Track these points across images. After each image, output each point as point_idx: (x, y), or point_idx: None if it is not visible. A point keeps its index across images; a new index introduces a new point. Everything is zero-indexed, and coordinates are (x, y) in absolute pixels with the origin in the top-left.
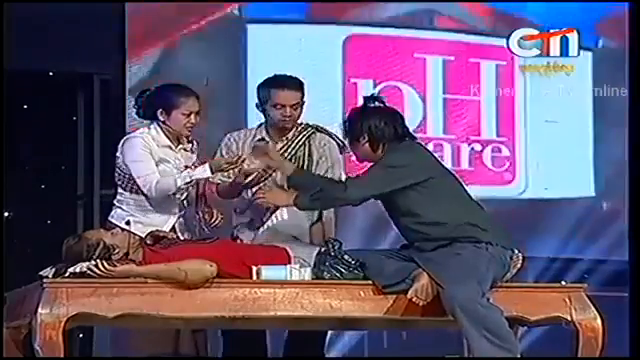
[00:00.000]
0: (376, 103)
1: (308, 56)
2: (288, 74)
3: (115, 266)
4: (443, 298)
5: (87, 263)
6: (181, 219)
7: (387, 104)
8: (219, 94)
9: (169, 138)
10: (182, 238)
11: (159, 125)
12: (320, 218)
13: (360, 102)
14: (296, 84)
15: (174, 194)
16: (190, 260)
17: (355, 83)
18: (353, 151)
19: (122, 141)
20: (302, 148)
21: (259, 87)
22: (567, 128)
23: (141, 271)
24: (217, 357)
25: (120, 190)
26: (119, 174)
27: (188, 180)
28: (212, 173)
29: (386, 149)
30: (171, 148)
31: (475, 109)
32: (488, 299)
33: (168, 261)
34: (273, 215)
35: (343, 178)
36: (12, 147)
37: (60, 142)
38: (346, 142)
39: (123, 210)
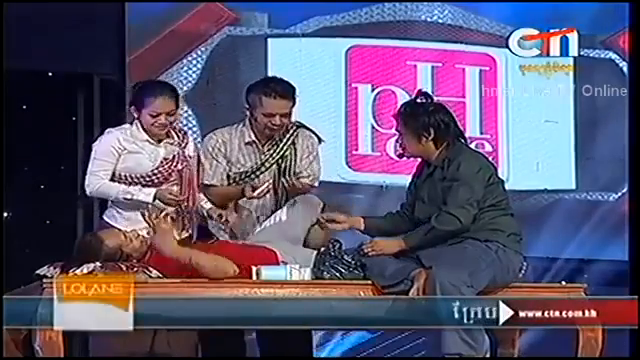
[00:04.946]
0: (429, 98)
1: (316, 64)
2: (281, 78)
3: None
4: (428, 280)
5: (94, 264)
6: (173, 215)
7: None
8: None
9: (148, 134)
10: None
11: (138, 121)
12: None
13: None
14: (288, 92)
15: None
16: (218, 256)
17: (356, 87)
18: (406, 147)
19: (103, 134)
20: (289, 148)
21: (249, 90)
22: (552, 125)
23: (181, 252)
24: (217, 357)
25: None
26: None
27: (128, 197)
28: (153, 200)
29: (448, 149)
30: (150, 142)
31: (461, 109)
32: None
33: (173, 262)
34: (272, 216)
35: (319, 173)
36: (12, 147)
37: (60, 142)
38: (320, 135)
39: (112, 208)
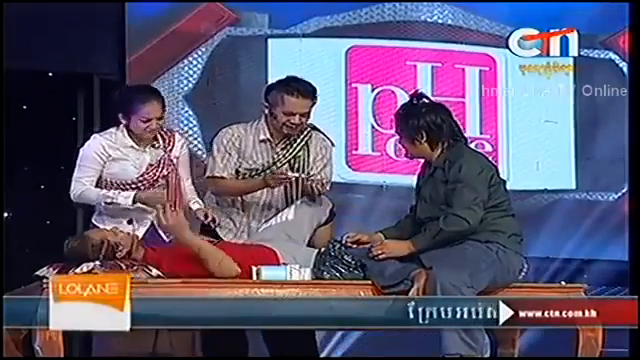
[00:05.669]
0: (424, 100)
1: (316, 64)
2: (302, 78)
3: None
4: (428, 280)
5: (93, 264)
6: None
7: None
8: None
9: (134, 139)
10: (167, 237)
11: (126, 127)
12: (330, 220)
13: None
14: (310, 92)
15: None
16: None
17: (356, 88)
18: (406, 149)
19: (90, 138)
20: (302, 150)
21: (270, 88)
22: (552, 125)
23: (192, 240)
24: (218, 357)
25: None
26: None
27: (108, 201)
28: (132, 204)
29: (448, 150)
30: (134, 148)
31: (460, 109)
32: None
33: (172, 261)
34: (278, 214)
35: (331, 177)
36: (12, 147)
37: (60, 142)
38: (332, 139)
39: (102, 212)
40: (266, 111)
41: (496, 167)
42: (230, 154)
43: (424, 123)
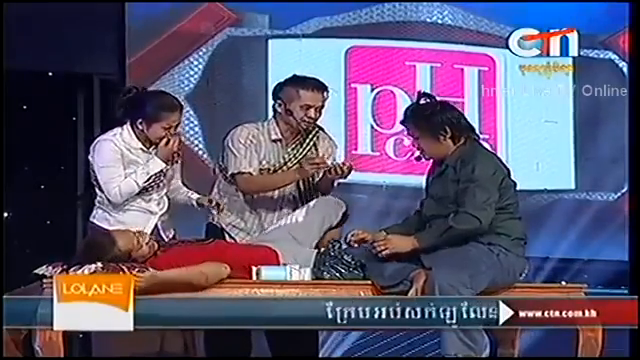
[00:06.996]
0: (429, 99)
1: (315, 65)
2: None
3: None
4: (428, 281)
5: (95, 265)
6: (164, 217)
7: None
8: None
9: (141, 140)
10: (167, 238)
11: (133, 129)
12: (342, 223)
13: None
14: (324, 86)
15: (147, 192)
16: (206, 263)
17: (355, 88)
18: (426, 148)
19: (93, 144)
20: (311, 149)
21: (282, 85)
22: (552, 125)
23: (163, 277)
24: (217, 357)
25: (98, 192)
26: (93, 176)
27: (146, 177)
28: (165, 164)
29: (463, 147)
30: (143, 150)
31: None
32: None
33: (170, 262)
34: (288, 216)
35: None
36: (12, 147)
37: (60, 142)
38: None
39: (104, 210)
40: (279, 109)
41: (508, 169)
42: (251, 151)
43: (446, 119)
